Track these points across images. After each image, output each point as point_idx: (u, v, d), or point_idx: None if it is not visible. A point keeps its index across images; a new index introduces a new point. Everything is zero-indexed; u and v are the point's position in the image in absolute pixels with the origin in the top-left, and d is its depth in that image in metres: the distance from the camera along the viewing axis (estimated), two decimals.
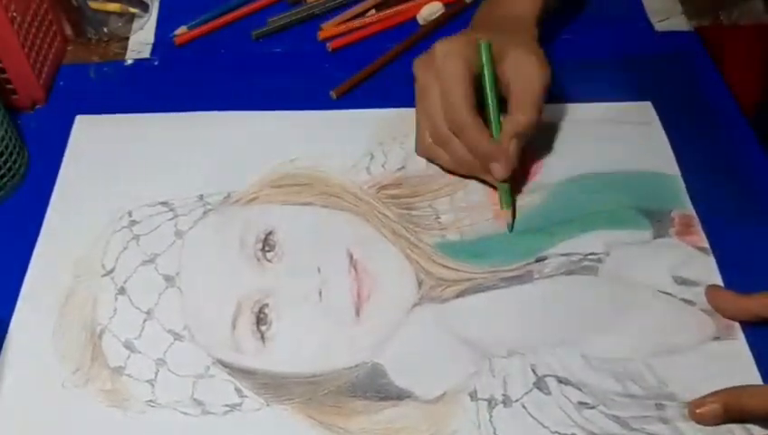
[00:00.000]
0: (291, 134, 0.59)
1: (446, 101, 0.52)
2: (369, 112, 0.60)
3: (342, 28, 0.68)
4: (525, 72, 0.52)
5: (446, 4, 0.69)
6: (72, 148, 0.59)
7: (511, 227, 0.53)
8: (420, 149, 0.57)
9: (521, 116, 0.52)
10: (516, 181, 0.55)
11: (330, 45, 0.66)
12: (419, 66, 0.54)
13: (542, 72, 0.53)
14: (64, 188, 0.56)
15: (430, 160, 0.57)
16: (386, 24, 0.68)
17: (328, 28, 0.68)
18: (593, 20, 0.69)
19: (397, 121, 0.60)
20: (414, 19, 0.69)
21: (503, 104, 0.53)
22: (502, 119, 0.53)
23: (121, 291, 0.50)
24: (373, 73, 0.64)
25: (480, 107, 0.52)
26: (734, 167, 0.57)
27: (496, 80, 0.53)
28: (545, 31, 0.59)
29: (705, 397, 0.44)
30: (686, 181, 0.56)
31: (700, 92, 0.62)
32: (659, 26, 0.68)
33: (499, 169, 0.52)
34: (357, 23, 0.68)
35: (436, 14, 0.68)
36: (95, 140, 0.59)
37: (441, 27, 0.68)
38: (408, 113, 0.60)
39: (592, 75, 0.64)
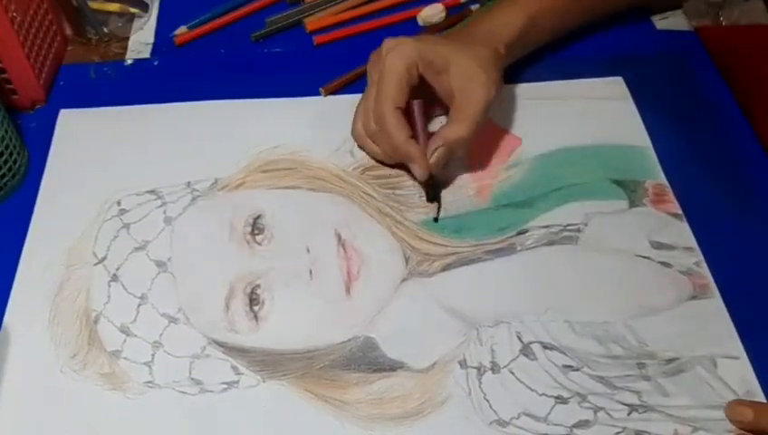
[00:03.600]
0: (276, 120, 0.60)
1: (376, 97, 0.53)
2: (350, 97, 0.61)
3: (329, 20, 0.69)
4: (469, 85, 0.53)
5: (447, 8, 0.69)
6: (57, 141, 0.59)
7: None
8: (353, 135, 0.57)
9: (454, 128, 0.53)
10: (492, 160, 0.57)
11: (316, 39, 0.67)
12: (371, 59, 0.56)
13: (484, 89, 0.52)
14: (52, 181, 0.57)
15: (361, 148, 0.58)
16: (384, 23, 0.69)
17: (313, 21, 0.69)
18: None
19: None
20: (411, 20, 0.69)
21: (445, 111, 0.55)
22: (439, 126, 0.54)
23: (114, 278, 0.51)
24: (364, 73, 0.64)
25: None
26: (732, 166, 0.58)
27: (439, 87, 0.54)
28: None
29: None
30: (680, 182, 0.56)
31: (699, 92, 0.63)
32: (660, 26, 0.68)
33: (417, 171, 0.53)
34: (345, 14, 0.69)
35: (437, 17, 0.68)
36: (80, 133, 0.60)
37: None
38: None
39: (592, 74, 0.64)
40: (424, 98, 0.54)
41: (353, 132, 0.57)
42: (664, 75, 0.64)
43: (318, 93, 0.63)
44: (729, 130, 0.60)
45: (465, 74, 0.53)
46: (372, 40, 0.66)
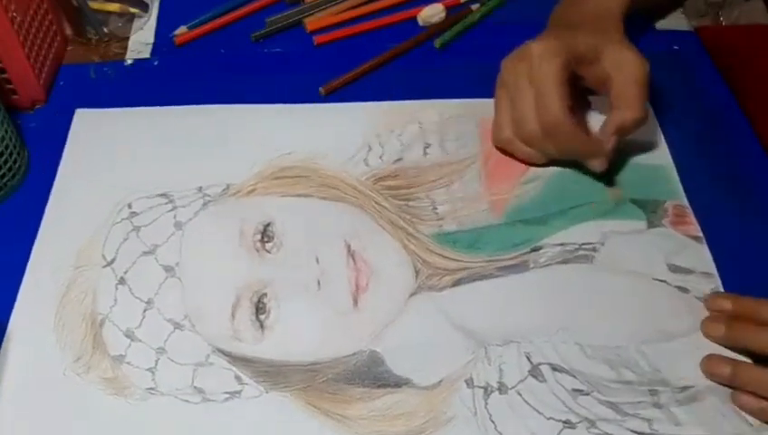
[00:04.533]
0: (289, 127, 0.60)
1: (541, 104, 0.52)
2: (366, 105, 0.61)
3: (329, 20, 0.68)
4: (627, 69, 0.53)
5: (447, 8, 0.69)
6: (71, 141, 0.59)
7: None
8: (498, 140, 0.57)
9: (627, 112, 0.53)
10: (508, 174, 0.56)
11: (316, 39, 0.67)
12: (510, 65, 0.54)
13: (641, 67, 0.53)
14: (65, 181, 0.57)
15: (503, 152, 0.57)
16: (384, 23, 0.69)
17: (313, 21, 0.68)
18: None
19: (394, 114, 0.60)
20: (411, 20, 0.69)
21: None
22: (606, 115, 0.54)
23: (122, 281, 0.50)
24: (366, 73, 0.64)
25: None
26: (732, 166, 0.57)
27: (591, 78, 0.54)
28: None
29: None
30: (684, 176, 0.56)
31: (699, 92, 0.62)
32: (659, 25, 0.68)
33: (598, 165, 0.54)
34: (345, 14, 0.69)
35: (437, 17, 0.68)
36: (95, 134, 0.60)
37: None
38: (406, 106, 0.61)
39: None
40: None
41: (498, 140, 0.57)
42: (664, 75, 0.63)
43: (318, 94, 0.62)
44: (729, 130, 0.60)
45: (619, 58, 0.53)
46: (372, 40, 0.67)
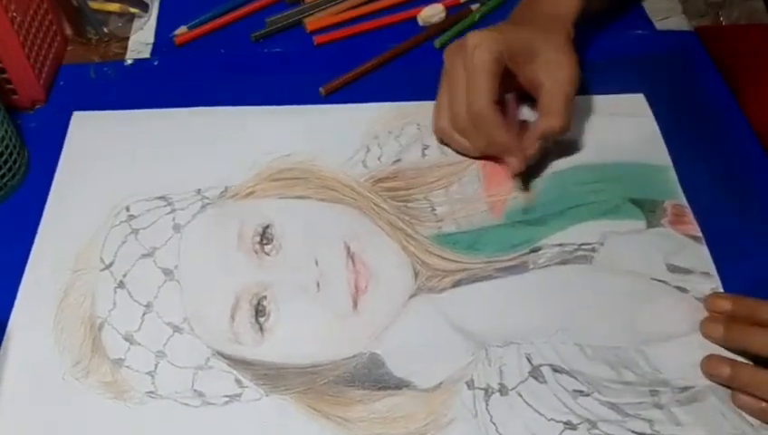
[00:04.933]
0: (287, 128, 0.60)
1: (470, 93, 0.52)
2: (364, 106, 0.61)
3: (329, 20, 0.68)
4: (558, 74, 0.53)
5: (447, 8, 0.69)
6: (69, 143, 0.59)
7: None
8: (436, 130, 0.58)
9: (551, 119, 0.53)
10: (507, 175, 0.56)
11: (316, 39, 0.67)
12: (450, 53, 0.55)
13: (573, 76, 0.53)
14: (62, 184, 0.56)
15: (442, 143, 0.58)
16: (384, 23, 0.69)
17: (313, 21, 0.68)
18: (593, 19, 0.68)
19: (392, 115, 0.60)
20: (411, 20, 0.69)
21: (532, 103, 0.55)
22: (533, 119, 0.55)
23: (120, 285, 0.50)
24: (366, 73, 0.64)
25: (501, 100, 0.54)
26: (732, 165, 0.57)
27: (524, 78, 0.54)
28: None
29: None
30: (683, 176, 0.56)
31: (699, 92, 0.62)
32: (660, 26, 0.68)
33: (514, 165, 0.54)
34: (345, 14, 0.69)
35: (437, 17, 0.68)
36: (92, 136, 0.60)
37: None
38: (404, 107, 0.61)
39: (592, 75, 0.63)
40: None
41: (436, 129, 0.57)
42: (664, 75, 0.63)
43: (318, 94, 0.62)
44: (729, 130, 0.60)
45: (552, 63, 0.53)
46: (372, 40, 0.67)
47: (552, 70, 0.53)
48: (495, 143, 0.54)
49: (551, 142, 0.55)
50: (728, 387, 0.45)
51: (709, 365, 0.46)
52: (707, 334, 0.47)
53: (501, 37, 0.53)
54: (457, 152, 0.57)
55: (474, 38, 0.52)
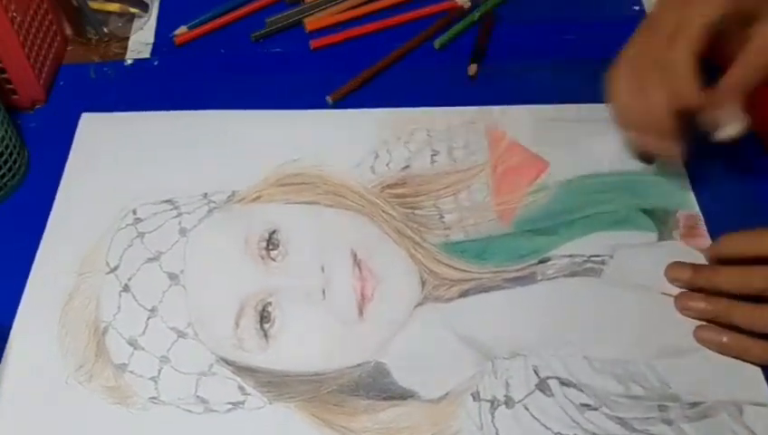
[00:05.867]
0: (295, 133, 0.59)
1: (675, 38, 0.48)
2: (373, 112, 0.60)
3: (329, 20, 0.68)
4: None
5: (447, 10, 0.69)
6: (77, 145, 0.59)
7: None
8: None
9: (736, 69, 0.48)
10: (517, 183, 0.56)
11: (313, 44, 0.66)
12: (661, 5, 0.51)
13: None
14: (69, 186, 0.56)
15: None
16: (385, 25, 0.68)
17: (313, 21, 0.68)
18: (593, 20, 0.68)
19: (401, 121, 0.60)
20: (413, 20, 0.68)
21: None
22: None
23: (125, 288, 0.50)
24: (371, 77, 0.64)
25: None
26: (736, 167, 0.57)
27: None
28: (545, 31, 0.59)
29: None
30: (690, 180, 0.55)
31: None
32: None
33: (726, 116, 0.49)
34: (345, 14, 0.69)
35: None
36: (100, 138, 0.59)
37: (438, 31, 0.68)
38: (413, 113, 0.60)
39: (592, 76, 0.63)
40: None
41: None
42: None
43: (318, 94, 0.62)
44: None
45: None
46: (373, 40, 0.66)
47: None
48: (684, 97, 0.48)
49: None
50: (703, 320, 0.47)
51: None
52: (673, 278, 0.49)
53: None
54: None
55: None
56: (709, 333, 0.47)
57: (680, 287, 0.49)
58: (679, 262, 0.50)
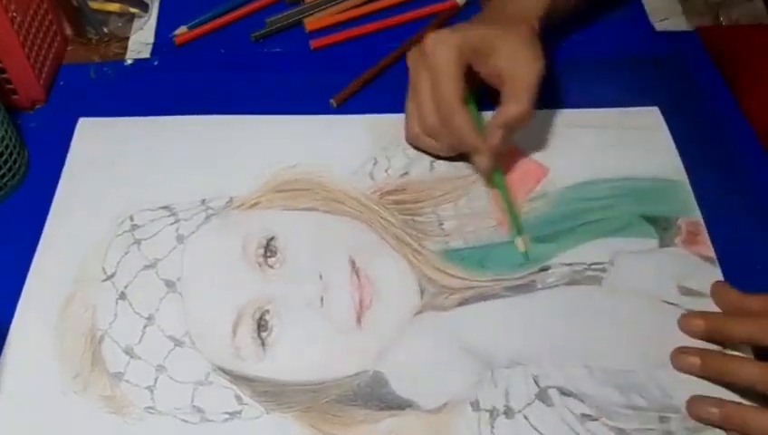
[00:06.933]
0: (294, 139, 0.59)
1: (435, 92, 0.52)
2: (371, 118, 0.60)
3: (329, 20, 0.68)
4: (518, 63, 0.52)
5: (447, 10, 0.69)
6: (74, 151, 0.58)
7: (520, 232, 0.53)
8: (409, 137, 0.57)
9: (512, 106, 0.52)
10: (516, 190, 0.55)
11: (313, 44, 0.66)
12: (411, 56, 0.55)
13: (535, 63, 0.52)
14: (66, 192, 0.56)
15: (417, 149, 0.57)
16: (385, 25, 0.68)
17: (313, 21, 0.68)
18: (593, 20, 0.68)
19: (400, 127, 0.59)
20: (412, 21, 0.68)
21: (495, 96, 0.54)
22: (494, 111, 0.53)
23: (122, 296, 0.49)
24: (373, 78, 0.63)
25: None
26: (736, 169, 0.57)
27: (486, 72, 0.54)
28: (545, 32, 0.58)
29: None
30: (691, 186, 0.55)
31: (700, 93, 0.62)
32: (659, 26, 0.68)
33: (482, 162, 0.53)
34: (345, 14, 0.68)
35: None
36: (97, 144, 0.59)
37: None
38: None
39: (592, 77, 0.63)
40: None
41: (408, 135, 0.57)
42: (664, 76, 0.62)
43: (319, 95, 0.61)
44: (729, 130, 0.59)
45: (513, 53, 0.52)
46: (373, 40, 0.66)
47: (514, 62, 0.52)
48: (464, 142, 0.53)
49: (513, 131, 0.53)
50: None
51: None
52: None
53: (458, 34, 0.52)
54: (429, 154, 0.57)
55: (431, 39, 0.52)
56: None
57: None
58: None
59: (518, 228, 0.53)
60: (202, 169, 0.57)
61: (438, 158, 0.57)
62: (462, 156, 0.56)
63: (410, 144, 0.57)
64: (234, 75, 0.64)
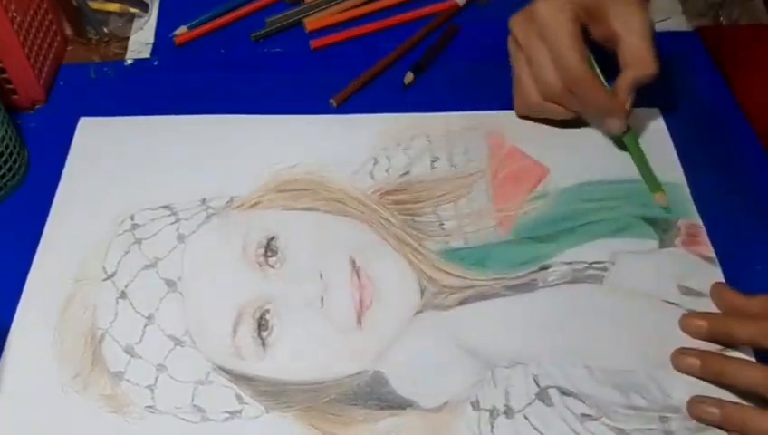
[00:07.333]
0: (294, 138, 0.59)
1: (557, 58, 0.52)
2: (372, 117, 0.60)
3: (329, 20, 0.68)
4: (633, 24, 0.53)
5: (447, 10, 0.69)
6: (75, 150, 0.59)
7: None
8: (525, 109, 0.58)
9: (643, 68, 0.53)
10: (517, 190, 0.55)
11: (313, 44, 0.66)
12: (518, 24, 0.55)
13: (648, 23, 0.53)
14: (67, 192, 0.56)
15: (536, 118, 0.58)
16: (385, 25, 0.68)
17: (313, 21, 0.68)
18: None
19: (400, 126, 0.59)
20: (412, 21, 0.68)
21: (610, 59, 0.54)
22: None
23: (122, 295, 0.49)
24: (373, 78, 0.63)
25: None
26: (736, 169, 0.57)
27: (599, 34, 0.54)
28: None
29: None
30: (690, 187, 0.55)
31: (700, 93, 0.62)
32: (659, 26, 0.67)
33: (616, 124, 0.54)
34: (345, 14, 0.69)
35: None
36: (98, 143, 0.59)
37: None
38: (413, 118, 0.60)
39: None
40: None
41: (525, 105, 0.57)
42: (664, 76, 0.61)
43: (319, 95, 0.61)
44: (729, 130, 0.59)
45: (624, 14, 0.53)
46: (372, 40, 0.67)
47: (627, 21, 0.53)
48: (595, 105, 0.54)
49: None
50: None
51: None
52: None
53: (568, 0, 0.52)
54: (552, 123, 0.57)
55: (543, 6, 0.52)
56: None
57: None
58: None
59: (655, 185, 0.54)
60: (202, 169, 0.57)
61: (556, 125, 0.57)
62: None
63: (524, 115, 0.58)
64: (234, 75, 0.64)
